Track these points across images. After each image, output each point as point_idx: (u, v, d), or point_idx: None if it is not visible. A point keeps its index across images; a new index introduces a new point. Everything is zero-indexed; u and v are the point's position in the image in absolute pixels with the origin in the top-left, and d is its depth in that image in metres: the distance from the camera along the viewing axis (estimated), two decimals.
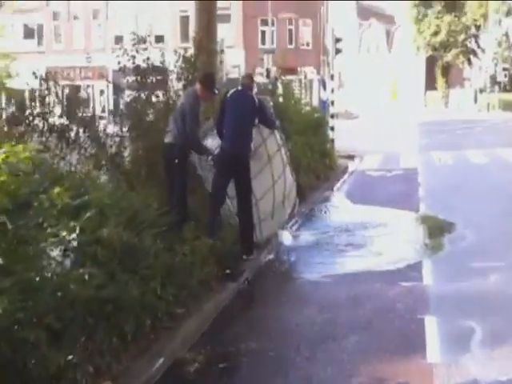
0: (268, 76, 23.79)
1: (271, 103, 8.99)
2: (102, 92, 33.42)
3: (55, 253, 4.86)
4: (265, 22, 39.25)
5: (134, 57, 9.42)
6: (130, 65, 9.47)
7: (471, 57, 58.00)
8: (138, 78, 9.52)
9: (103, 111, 16.09)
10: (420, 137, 26.59)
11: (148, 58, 9.49)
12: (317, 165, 14.09)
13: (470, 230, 9.33)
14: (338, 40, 19.86)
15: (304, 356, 5.25)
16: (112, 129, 9.42)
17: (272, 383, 4.93)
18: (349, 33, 51.79)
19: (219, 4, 11.62)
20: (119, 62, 9.43)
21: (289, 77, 41.37)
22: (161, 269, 5.96)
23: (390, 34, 65.21)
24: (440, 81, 58.68)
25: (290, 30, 42.81)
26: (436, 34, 56.20)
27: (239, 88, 8.19)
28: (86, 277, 4.89)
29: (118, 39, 35.90)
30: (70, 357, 4.43)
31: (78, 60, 40.86)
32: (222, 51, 22.29)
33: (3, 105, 9.66)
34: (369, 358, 5.13)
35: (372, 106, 51.69)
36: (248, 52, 40.07)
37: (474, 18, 55.36)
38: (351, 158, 19.69)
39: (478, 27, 56.34)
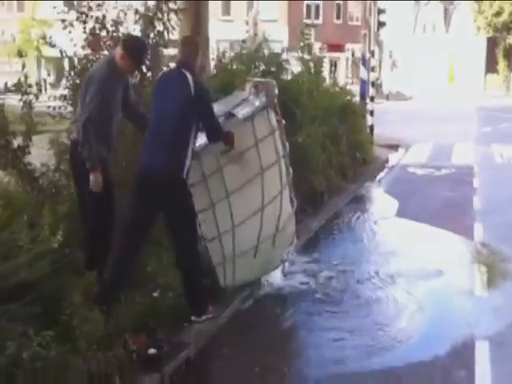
0: (309, 52, 21.07)
1: (276, 90, 5.97)
2: None
3: None
4: None
5: (84, 14, 6.66)
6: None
7: None
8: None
9: None
10: (478, 124, 23.04)
11: (104, 17, 6.70)
12: (343, 159, 11.07)
13: None
14: (380, 11, 16.75)
15: None
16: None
17: None
18: (404, 10, 48.38)
19: None
20: (64, 21, 6.73)
21: (334, 54, 38.14)
22: None
23: (448, 12, 60.92)
24: (501, 63, 54.34)
25: (338, 5, 39.47)
26: (498, 14, 51.82)
27: (173, 66, 5.27)
28: None
29: None
30: None
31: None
32: (256, 24, 19.81)
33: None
34: None
35: (427, 88, 47.89)
36: (292, 27, 37.14)
37: None
38: (394, 147, 16.52)
39: None
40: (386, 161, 14.48)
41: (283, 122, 6.06)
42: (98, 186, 4.83)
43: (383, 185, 11.92)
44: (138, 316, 4.70)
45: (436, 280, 6.36)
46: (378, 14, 16.39)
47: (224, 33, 27.51)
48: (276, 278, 6.32)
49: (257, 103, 5.82)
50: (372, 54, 16.09)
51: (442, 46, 56.08)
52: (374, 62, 15.87)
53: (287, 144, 6.09)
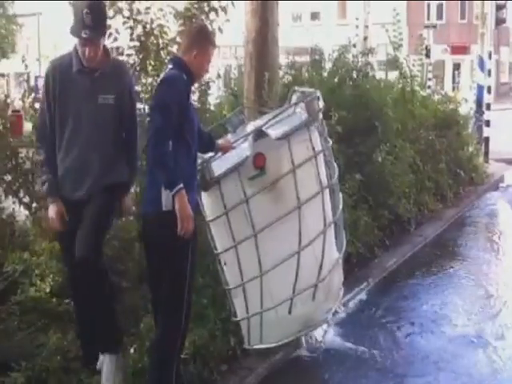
0: (427, 55, 19.60)
1: (321, 101, 4.58)
2: None
3: None
4: None
5: (132, 19, 5.73)
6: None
7: None
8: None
9: None
10: None
11: (152, 22, 5.75)
12: (441, 179, 9.49)
13: None
14: (500, 7, 14.86)
15: None
16: None
17: None
18: None
19: None
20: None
21: (458, 56, 35.51)
22: None
23: None
24: None
25: (463, 3, 37.03)
26: None
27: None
28: None
29: None
30: None
31: None
32: (367, 27, 17.89)
33: None
34: None
35: None
36: (412, 28, 35.21)
37: None
38: None
39: None
40: (501, 179, 12.59)
41: (330, 141, 4.76)
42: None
43: (492, 210, 10.11)
44: None
45: None
46: (497, 9, 14.50)
47: (339, 37, 26.25)
48: (321, 335, 5.02)
49: (302, 118, 4.56)
50: (489, 55, 14.19)
51: None
52: (489, 65, 14.00)
53: (336, 169, 4.78)
